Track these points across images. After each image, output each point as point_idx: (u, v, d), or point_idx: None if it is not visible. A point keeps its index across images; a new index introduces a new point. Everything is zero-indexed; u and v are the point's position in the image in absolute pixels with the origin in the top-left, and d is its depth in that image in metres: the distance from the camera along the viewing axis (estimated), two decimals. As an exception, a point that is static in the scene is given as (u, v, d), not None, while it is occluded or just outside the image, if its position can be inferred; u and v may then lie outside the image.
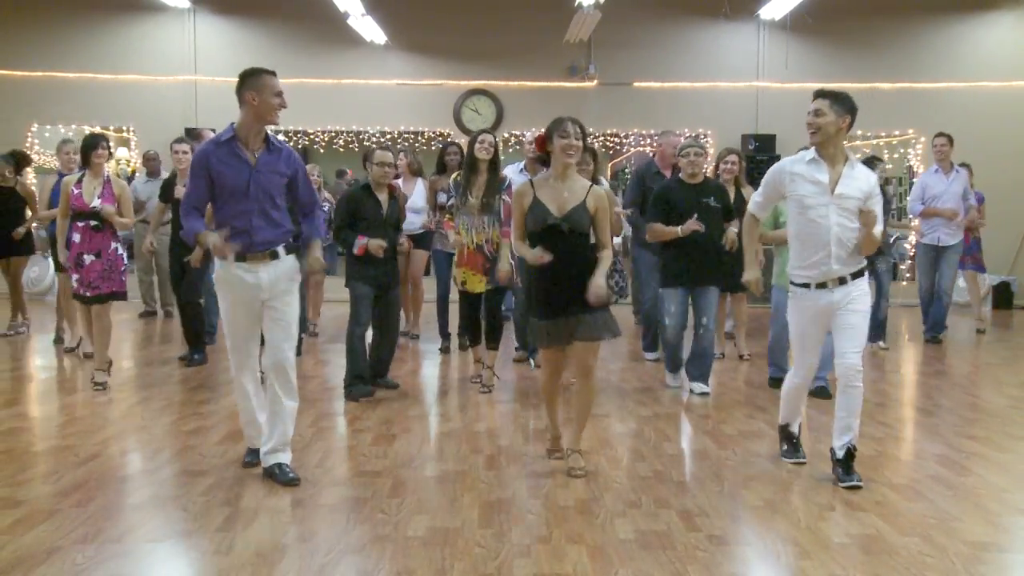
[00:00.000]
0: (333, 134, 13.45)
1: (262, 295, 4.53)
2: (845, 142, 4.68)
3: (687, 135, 12.50)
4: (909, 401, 7.09)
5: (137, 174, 12.57)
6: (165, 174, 9.51)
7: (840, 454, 4.64)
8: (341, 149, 13.64)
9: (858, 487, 4.54)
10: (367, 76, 13.25)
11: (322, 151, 13.64)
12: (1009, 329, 11.40)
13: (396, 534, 3.88)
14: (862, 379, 4.62)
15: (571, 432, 4.90)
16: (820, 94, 4.65)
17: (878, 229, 4.59)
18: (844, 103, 4.57)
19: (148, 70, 13.06)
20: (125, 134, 13.62)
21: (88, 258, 6.79)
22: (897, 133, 13.41)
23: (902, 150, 13.52)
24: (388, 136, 13.25)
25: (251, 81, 4.41)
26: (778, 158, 12.79)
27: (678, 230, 6.60)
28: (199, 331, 7.86)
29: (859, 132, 12.61)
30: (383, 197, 6.69)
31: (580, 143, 4.60)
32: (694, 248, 6.58)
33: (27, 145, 12.60)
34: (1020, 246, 13.26)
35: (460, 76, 13.22)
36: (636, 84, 13.34)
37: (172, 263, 7.87)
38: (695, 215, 6.54)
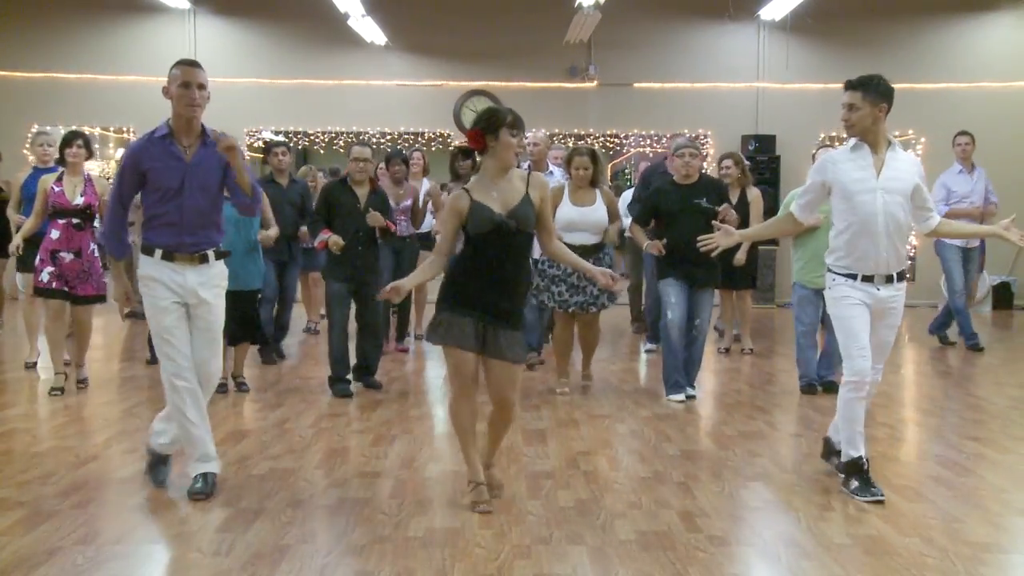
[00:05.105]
0: (333, 135, 13.45)
1: (187, 299, 4.33)
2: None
3: (687, 135, 12.57)
4: (910, 402, 7.08)
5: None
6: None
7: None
8: (341, 150, 13.60)
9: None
10: (367, 77, 13.23)
11: (322, 152, 13.63)
12: (1009, 329, 11.40)
13: (396, 535, 3.88)
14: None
15: (483, 448, 4.45)
16: (851, 85, 4.40)
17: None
18: (877, 89, 4.36)
19: (148, 71, 12.96)
20: (125, 135, 13.63)
21: (67, 256, 6.58)
22: (897, 133, 13.27)
23: (902, 150, 13.50)
24: (388, 137, 13.26)
25: (169, 73, 4.26)
26: (778, 159, 12.95)
27: (645, 245, 6.71)
28: None
29: (859, 133, 12.56)
30: (362, 191, 6.66)
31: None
32: (687, 248, 6.45)
33: (28, 146, 12.59)
34: (1020, 247, 13.24)
35: (460, 77, 13.20)
36: (636, 85, 13.33)
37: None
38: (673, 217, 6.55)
